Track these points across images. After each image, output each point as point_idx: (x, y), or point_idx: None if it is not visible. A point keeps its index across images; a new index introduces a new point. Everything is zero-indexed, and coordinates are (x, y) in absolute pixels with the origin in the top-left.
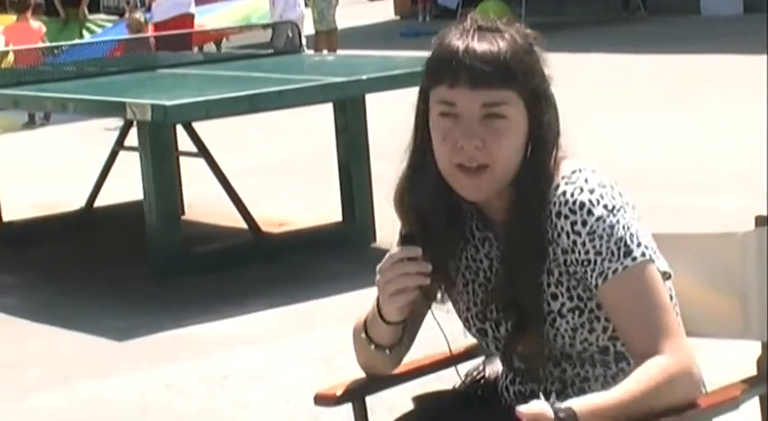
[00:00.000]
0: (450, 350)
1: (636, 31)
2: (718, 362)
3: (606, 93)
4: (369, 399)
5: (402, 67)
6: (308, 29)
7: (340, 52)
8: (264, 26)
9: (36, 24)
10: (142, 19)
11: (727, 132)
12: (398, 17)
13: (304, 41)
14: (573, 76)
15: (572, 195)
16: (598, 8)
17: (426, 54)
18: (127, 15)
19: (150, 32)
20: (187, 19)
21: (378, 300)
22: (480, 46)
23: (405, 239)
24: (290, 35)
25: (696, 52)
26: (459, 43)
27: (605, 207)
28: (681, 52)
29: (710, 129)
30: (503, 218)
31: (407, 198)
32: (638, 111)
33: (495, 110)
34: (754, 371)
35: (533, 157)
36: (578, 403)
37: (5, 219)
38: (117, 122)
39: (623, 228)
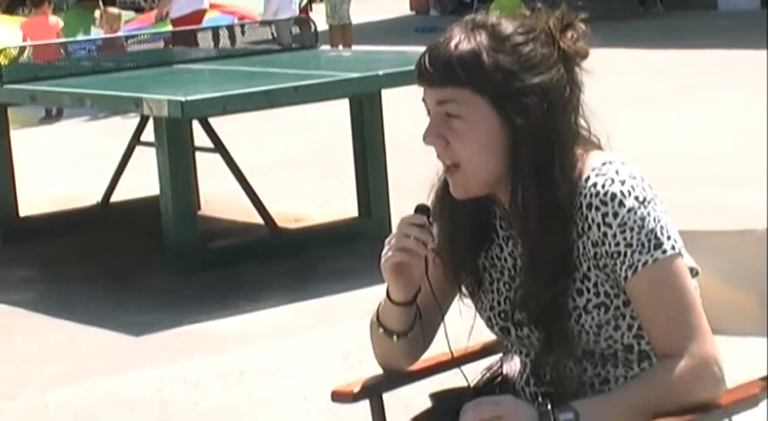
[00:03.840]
0: (451, 353)
1: (653, 26)
2: (737, 360)
3: (622, 88)
4: (384, 396)
5: None
6: (321, 24)
7: (355, 48)
8: (263, 23)
9: (53, 19)
10: (116, 12)
11: (742, 128)
12: (414, 12)
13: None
14: (589, 70)
15: (603, 186)
16: (615, 3)
17: None
18: (147, 10)
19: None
20: (202, 14)
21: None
22: (440, 46)
23: (417, 210)
24: (290, 32)
25: (713, 47)
26: (430, 44)
27: (636, 198)
28: (698, 47)
29: (726, 124)
30: (513, 218)
31: (437, 198)
32: (654, 107)
33: (445, 108)
34: None
35: (521, 155)
36: (580, 405)
37: (22, 213)
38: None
39: (654, 220)
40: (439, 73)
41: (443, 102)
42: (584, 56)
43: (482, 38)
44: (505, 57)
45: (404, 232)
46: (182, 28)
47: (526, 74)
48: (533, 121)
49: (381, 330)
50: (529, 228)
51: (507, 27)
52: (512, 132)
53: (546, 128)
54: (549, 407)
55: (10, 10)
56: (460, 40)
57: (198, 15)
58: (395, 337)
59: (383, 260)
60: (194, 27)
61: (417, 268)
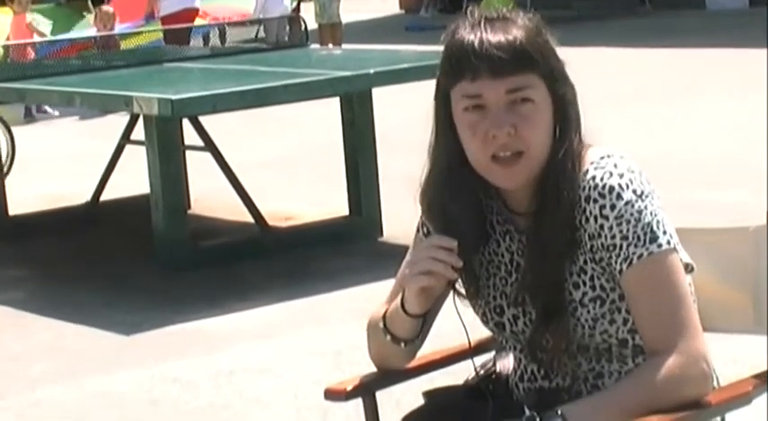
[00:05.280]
0: (469, 342)
1: (641, 25)
2: (728, 357)
3: (611, 86)
4: (377, 394)
5: (408, 62)
6: (310, 23)
7: (345, 46)
8: (252, 22)
9: (28, 17)
10: (110, 11)
11: (731, 126)
12: (403, 11)
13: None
14: (578, 69)
15: (601, 179)
16: (604, 2)
17: (433, 48)
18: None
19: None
20: (192, 13)
21: (402, 291)
22: (494, 35)
23: (444, 231)
24: (284, 30)
25: (701, 46)
26: (471, 36)
27: (634, 192)
28: (686, 46)
29: (715, 123)
30: (526, 208)
31: (433, 198)
32: (643, 105)
33: (520, 94)
34: (764, 366)
35: (562, 138)
36: (568, 409)
37: (12, 212)
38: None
39: (650, 214)
40: (515, 60)
41: (517, 89)
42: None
43: (521, 25)
44: (543, 43)
45: (431, 255)
46: (172, 26)
47: (558, 57)
48: (575, 104)
49: (389, 337)
50: (549, 216)
51: (518, 19)
52: (561, 116)
53: (572, 110)
54: (538, 418)
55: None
56: (510, 28)
57: (188, 14)
58: (402, 344)
59: (408, 279)
60: (186, 25)
61: (439, 287)
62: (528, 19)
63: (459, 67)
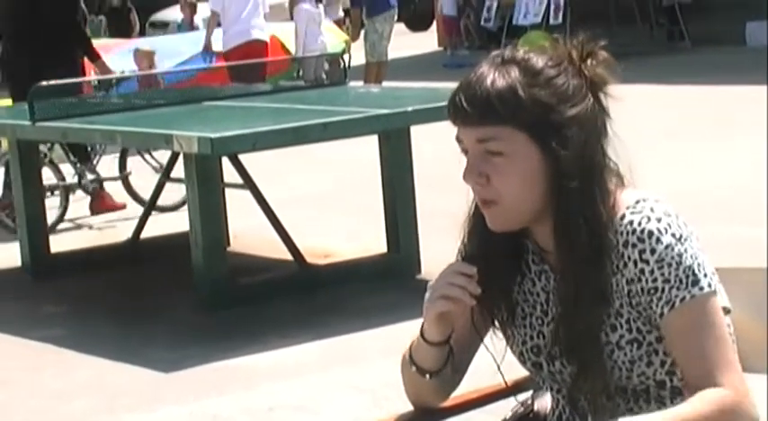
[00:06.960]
0: (504, 382)
1: (681, 61)
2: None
3: (650, 123)
4: None
5: (446, 99)
6: (359, 59)
7: (384, 84)
8: (293, 60)
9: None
10: (150, 49)
11: None
12: (442, 48)
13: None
14: (616, 106)
15: (639, 224)
16: (643, 38)
17: None
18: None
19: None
20: (255, 46)
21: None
22: (475, 84)
23: (466, 259)
24: (321, 67)
25: (741, 83)
26: (463, 82)
27: (673, 235)
28: (726, 83)
29: (755, 160)
30: (555, 251)
31: (468, 232)
32: (682, 142)
33: (487, 146)
34: None
35: (563, 189)
36: None
37: (53, 250)
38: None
39: (691, 257)
40: (478, 111)
41: (484, 140)
42: (609, 83)
43: (516, 73)
44: (541, 90)
45: (450, 281)
46: (230, 63)
47: (563, 106)
48: (575, 153)
49: (414, 368)
50: (570, 261)
51: (538, 61)
52: (554, 165)
53: (586, 159)
54: None
55: None
56: (494, 77)
57: (247, 48)
58: (427, 376)
59: (427, 305)
60: (255, 61)
61: (458, 314)
62: (539, 62)
63: (447, 110)
